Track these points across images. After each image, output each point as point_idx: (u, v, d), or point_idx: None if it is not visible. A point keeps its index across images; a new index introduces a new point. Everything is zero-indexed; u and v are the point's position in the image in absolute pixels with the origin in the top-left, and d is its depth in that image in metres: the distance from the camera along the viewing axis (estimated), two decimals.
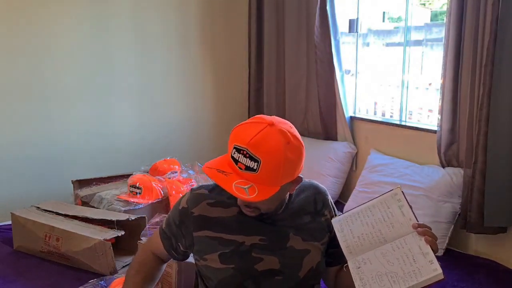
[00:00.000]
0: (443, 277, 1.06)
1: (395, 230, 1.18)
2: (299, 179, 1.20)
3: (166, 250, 1.33)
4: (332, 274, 1.35)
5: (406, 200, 1.23)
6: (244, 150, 1.09)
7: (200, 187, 1.30)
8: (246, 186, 1.08)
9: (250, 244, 1.19)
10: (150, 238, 1.43)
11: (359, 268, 1.16)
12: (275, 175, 1.10)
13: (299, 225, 1.25)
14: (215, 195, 1.26)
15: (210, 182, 1.31)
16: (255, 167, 1.08)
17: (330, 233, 1.30)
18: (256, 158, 1.07)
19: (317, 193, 1.33)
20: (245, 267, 1.18)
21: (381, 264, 1.14)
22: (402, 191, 1.25)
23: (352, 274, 1.16)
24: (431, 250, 1.11)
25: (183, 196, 1.31)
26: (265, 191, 1.08)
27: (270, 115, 1.17)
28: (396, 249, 1.15)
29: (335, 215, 1.33)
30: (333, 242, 1.30)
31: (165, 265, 1.44)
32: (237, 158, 1.10)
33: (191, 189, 1.31)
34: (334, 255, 1.32)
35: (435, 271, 1.06)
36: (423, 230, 1.14)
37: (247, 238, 1.19)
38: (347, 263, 1.20)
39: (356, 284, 1.14)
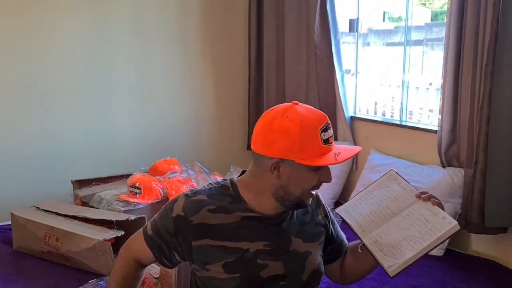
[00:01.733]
0: (459, 227, 1.11)
1: (400, 203, 1.23)
2: None
3: (156, 257, 1.22)
4: (337, 268, 1.35)
5: (402, 178, 1.29)
6: (329, 124, 1.13)
7: (195, 193, 1.18)
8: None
9: (255, 251, 1.14)
10: (130, 244, 1.28)
11: (376, 242, 1.19)
12: None
13: (301, 226, 1.24)
14: (215, 200, 1.17)
15: (205, 187, 1.22)
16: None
17: (326, 231, 1.30)
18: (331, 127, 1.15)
19: None
20: (251, 275, 1.14)
21: (397, 232, 1.17)
22: (396, 172, 1.31)
23: (371, 250, 1.18)
24: (440, 209, 1.16)
25: (173, 202, 1.18)
26: None
27: None
28: (407, 217, 1.19)
29: (328, 212, 1.34)
30: (331, 239, 1.31)
31: (145, 270, 1.35)
32: (329, 136, 1.12)
33: (185, 195, 1.18)
34: (333, 251, 1.33)
35: (450, 223, 1.11)
36: (427, 195, 1.20)
37: (251, 245, 1.14)
38: (361, 244, 1.23)
39: (377, 256, 1.16)
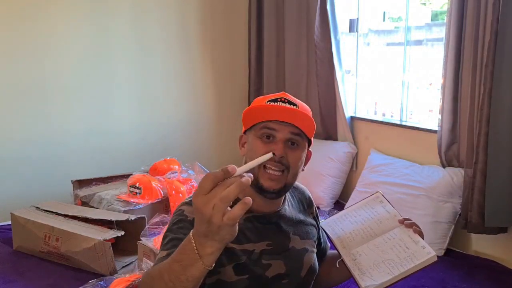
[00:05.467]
0: (436, 259, 1.15)
1: (383, 225, 1.26)
2: (310, 154, 1.23)
3: None
4: None
5: (388, 201, 1.31)
6: (281, 98, 1.13)
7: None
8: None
9: (260, 251, 1.15)
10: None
11: (355, 260, 1.22)
12: (311, 120, 1.13)
13: (297, 223, 1.26)
14: None
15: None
16: (296, 105, 1.14)
17: (318, 230, 1.35)
18: (293, 102, 1.14)
19: (303, 192, 1.37)
20: (258, 275, 1.15)
21: (376, 254, 1.20)
22: (382, 194, 1.34)
23: (349, 267, 1.21)
24: (421, 238, 1.19)
25: (181, 212, 1.10)
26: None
27: None
28: (388, 241, 1.22)
29: (317, 214, 1.38)
30: (318, 239, 1.36)
31: None
32: (278, 100, 1.14)
33: (188, 203, 1.12)
34: (319, 252, 1.36)
35: (429, 254, 1.14)
36: (410, 223, 1.23)
37: (256, 245, 1.16)
38: (340, 259, 1.25)
39: (355, 274, 1.19)
